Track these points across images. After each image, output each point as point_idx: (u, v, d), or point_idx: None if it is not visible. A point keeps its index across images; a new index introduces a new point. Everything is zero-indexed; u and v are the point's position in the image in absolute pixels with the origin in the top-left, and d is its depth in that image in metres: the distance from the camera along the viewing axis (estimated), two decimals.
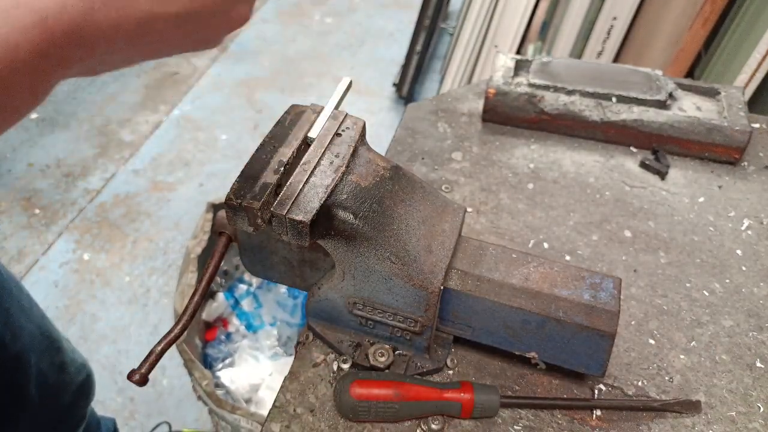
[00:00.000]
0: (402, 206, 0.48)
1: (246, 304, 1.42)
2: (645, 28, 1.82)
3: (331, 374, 0.52)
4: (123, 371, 1.48)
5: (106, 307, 1.62)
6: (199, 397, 1.15)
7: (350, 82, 0.51)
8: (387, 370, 0.51)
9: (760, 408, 0.52)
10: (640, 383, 0.53)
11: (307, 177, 0.46)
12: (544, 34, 1.94)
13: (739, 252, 0.65)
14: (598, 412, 0.51)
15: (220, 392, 1.23)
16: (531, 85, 0.78)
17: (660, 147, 0.76)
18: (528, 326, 0.48)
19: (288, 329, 1.39)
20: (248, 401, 1.25)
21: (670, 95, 0.77)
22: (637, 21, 1.83)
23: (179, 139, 2.23)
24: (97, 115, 2.33)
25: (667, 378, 0.54)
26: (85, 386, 0.88)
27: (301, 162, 0.47)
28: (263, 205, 0.43)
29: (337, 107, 0.50)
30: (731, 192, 0.72)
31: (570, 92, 0.77)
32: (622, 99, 0.76)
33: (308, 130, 0.49)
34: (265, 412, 1.20)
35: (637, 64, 0.82)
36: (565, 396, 0.52)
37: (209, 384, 1.11)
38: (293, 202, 0.44)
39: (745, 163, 0.76)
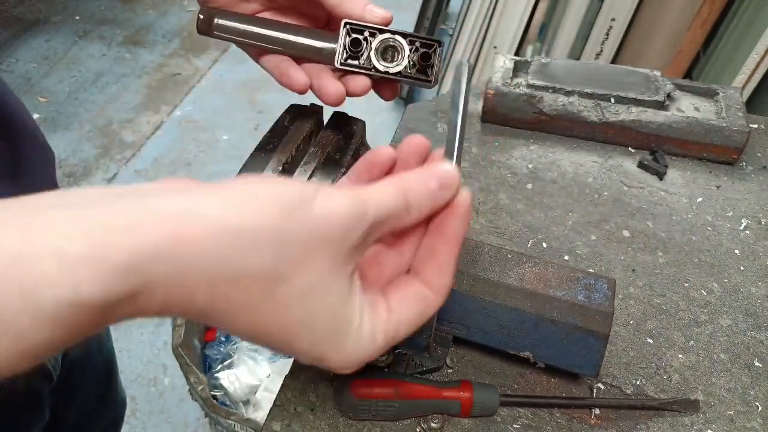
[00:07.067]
0: None
1: None
2: (643, 30, 1.82)
3: (332, 373, 0.53)
4: (123, 371, 1.48)
5: None
6: (195, 400, 1.15)
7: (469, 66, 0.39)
8: (387, 369, 0.51)
9: (758, 407, 0.52)
10: (638, 382, 0.53)
11: (307, 177, 0.46)
12: (542, 35, 1.94)
13: (737, 252, 0.66)
14: (597, 411, 0.51)
15: (218, 393, 1.23)
16: (530, 85, 0.79)
17: (658, 147, 0.77)
18: (522, 326, 0.49)
19: None
20: (246, 403, 1.25)
21: (669, 96, 0.77)
22: (635, 22, 1.84)
23: (181, 140, 2.24)
24: (98, 115, 2.34)
25: (665, 377, 0.54)
26: (115, 422, 0.85)
27: (302, 162, 0.48)
28: None
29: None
30: (729, 192, 0.73)
31: (569, 93, 0.77)
32: (620, 100, 0.77)
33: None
34: (262, 414, 1.21)
35: (636, 65, 0.83)
36: (564, 395, 0.52)
37: (204, 389, 1.11)
38: None
39: (743, 164, 0.76)
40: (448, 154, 0.34)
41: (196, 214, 0.24)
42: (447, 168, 0.32)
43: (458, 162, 0.34)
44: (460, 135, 0.34)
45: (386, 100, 0.51)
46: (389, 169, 0.35)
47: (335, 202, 0.27)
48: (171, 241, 0.23)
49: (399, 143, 0.36)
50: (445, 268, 0.33)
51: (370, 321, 0.31)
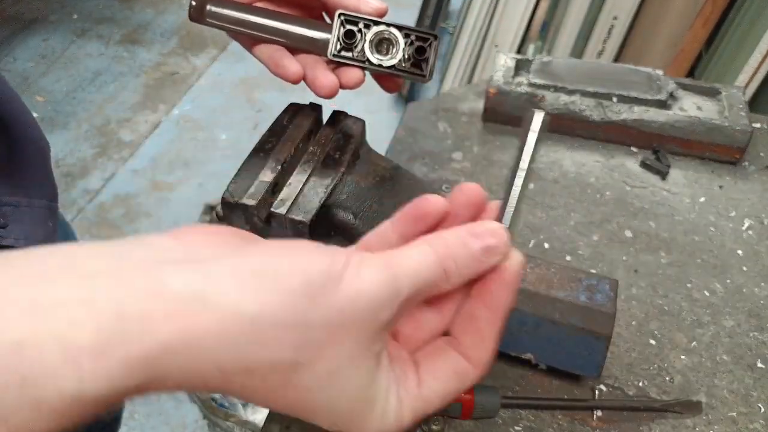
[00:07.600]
0: (403, 206, 0.48)
1: None
2: (645, 28, 1.81)
3: None
4: None
5: None
6: (194, 402, 1.15)
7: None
8: None
9: (761, 408, 0.51)
10: (640, 384, 0.53)
11: (306, 177, 0.46)
12: (544, 33, 1.94)
13: (740, 252, 0.65)
14: (599, 413, 0.51)
15: (216, 395, 1.22)
16: (531, 84, 0.78)
17: (661, 147, 0.76)
18: (524, 327, 0.48)
19: None
20: (245, 405, 1.25)
21: (671, 95, 0.77)
22: (637, 21, 1.83)
23: (179, 139, 2.23)
24: (96, 114, 2.33)
25: (667, 378, 0.53)
26: (113, 420, 0.83)
27: (301, 162, 0.47)
28: (260, 203, 0.43)
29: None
30: (732, 192, 0.72)
31: (570, 92, 0.77)
32: (622, 99, 0.76)
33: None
34: (261, 416, 1.20)
35: (638, 64, 0.82)
36: (565, 396, 0.52)
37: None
38: (293, 203, 0.44)
39: (746, 163, 0.76)
40: (501, 211, 0.30)
41: (210, 300, 0.23)
42: (494, 229, 0.29)
43: (512, 224, 0.30)
44: (516, 192, 0.31)
45: (388, 92, 0.50)
46: (438, 223, 0.31)
47: (365, 278, 0.25)
48: (183, 335, 0.22)
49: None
50: (487, 339, 0.30)
51: (397, 399, 0.28)
